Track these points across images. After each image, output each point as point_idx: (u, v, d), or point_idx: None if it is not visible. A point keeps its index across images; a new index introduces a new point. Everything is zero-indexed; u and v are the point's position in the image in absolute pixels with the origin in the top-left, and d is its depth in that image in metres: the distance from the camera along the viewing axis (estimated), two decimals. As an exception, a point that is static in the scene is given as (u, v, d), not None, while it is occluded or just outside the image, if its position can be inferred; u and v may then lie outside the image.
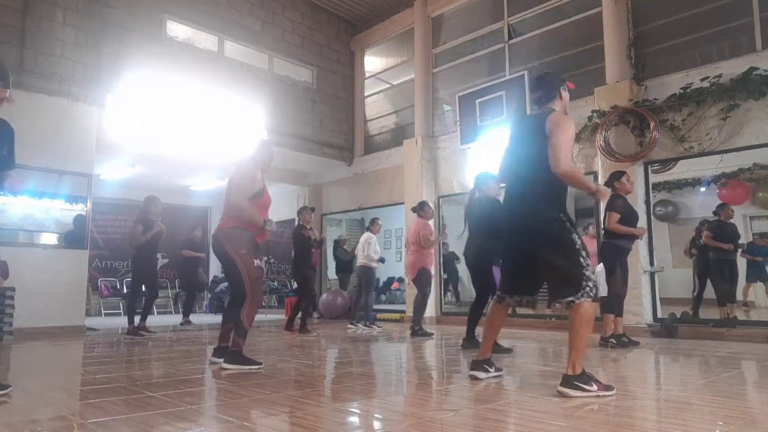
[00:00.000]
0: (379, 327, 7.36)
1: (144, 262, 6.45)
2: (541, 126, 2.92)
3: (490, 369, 3.29)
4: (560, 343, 5.60)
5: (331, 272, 11.45)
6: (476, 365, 3.29)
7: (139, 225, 6.41)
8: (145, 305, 6.56)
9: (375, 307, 7.84)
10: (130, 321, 6.35)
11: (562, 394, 2.76)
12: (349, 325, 7.47)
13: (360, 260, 7.46)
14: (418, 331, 6.34)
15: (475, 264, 5.04)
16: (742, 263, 7.70)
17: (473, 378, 3.25)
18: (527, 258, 3.00)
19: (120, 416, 2.35)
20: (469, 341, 5.01)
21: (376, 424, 2.35)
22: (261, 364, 3.73)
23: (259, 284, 3.84)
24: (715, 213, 7.21)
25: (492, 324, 3.31)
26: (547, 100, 3.10)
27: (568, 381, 2.79)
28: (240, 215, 3.71)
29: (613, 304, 5.12)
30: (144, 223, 6.42)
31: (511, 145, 3.20)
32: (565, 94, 3.15)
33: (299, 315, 7.02)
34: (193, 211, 12.09)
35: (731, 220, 7.17)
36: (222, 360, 3.78)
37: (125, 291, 10.94)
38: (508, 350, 4.79)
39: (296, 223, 7.32)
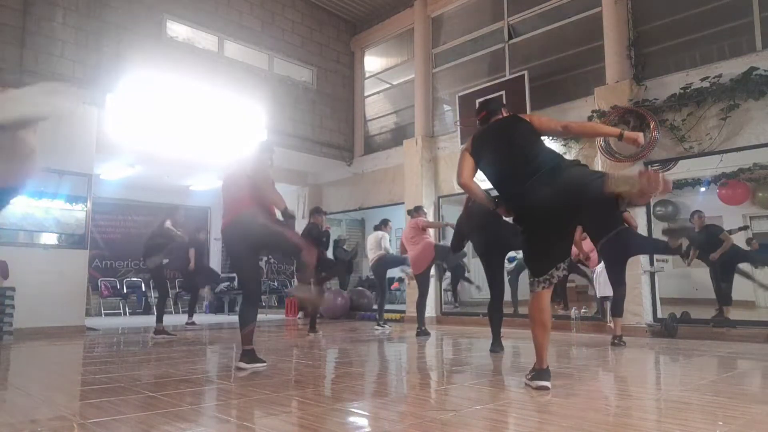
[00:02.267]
0: (389, 327, 7.25)
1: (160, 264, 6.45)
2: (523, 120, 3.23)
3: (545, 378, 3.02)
4: (560, 343, 5.60)
5: (331, 272, 11.44)
6: (539, 375, 3.01)
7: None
8: (158, 306, 6.52)
9: (374, 306, 7.86)
10: (159, 320, 6.31)
11: (538, 387, 2.92)
12: (377, 326, 7.18)
13: (374, 255, 7.28)
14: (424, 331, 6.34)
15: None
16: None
17: (540, 387, 2.95)
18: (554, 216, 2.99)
19: (120, 416, 2.35)
20: (498, 344, 4.79)
21: (376, 424, 2.35)
22: (265, 362, 3.75)
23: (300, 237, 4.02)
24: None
25: (544, 324, 3.07)
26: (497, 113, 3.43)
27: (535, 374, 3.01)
28: (271, 202, 3.81)
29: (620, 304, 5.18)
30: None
31: (503, 143, 3.33)
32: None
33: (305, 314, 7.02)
34: (193, 211, 12.07)
35: (703, 226, 7.09)
36: (253, 365, 3.67)
37: (125, 291, 10.95)
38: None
39: (308, 222, 7.26)
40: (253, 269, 3.90)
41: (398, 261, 7.37)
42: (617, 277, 5.23)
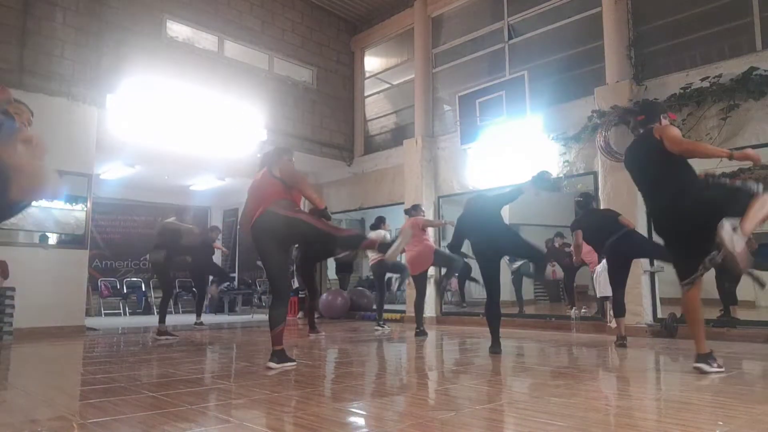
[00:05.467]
0: (388, 327, 7.19)
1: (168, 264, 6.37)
2: (653, 137, 3.47)
3: (713, 364, 3.36)
4: (560, 343, 5.60)
5: (331, 272, 11.45)
6: (702, 358, 3.38)
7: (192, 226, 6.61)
8: (161, 306, 6.37)
9: (374, 307, 7.81)
10: (162, 320, 6.16)
11: (699, 370, 3.31)
12: (377, 327, 7.06)
13: (375, 257, 7.09)
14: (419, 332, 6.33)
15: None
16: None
17: (699, 370, 3.34)
18: (687, 237, 3.36)
19: (120, 416, 2.35)
20: (497, 345, 4.72)
21: (376, 424, 2.35)
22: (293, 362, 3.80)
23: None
24: None
25: (700, 315, 3.44)
26: (649, 123, 3.66)
27: (699, 358, 3.34)
28: (311, 200, 3.89)
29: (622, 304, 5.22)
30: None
31: (637, 164, 3.69)
32: (665, 122, 3.67)
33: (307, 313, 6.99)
34: (193, 211, 12.07)
35: None
36: (284, 364, 3.73)
37: (125, 291, 10.95)
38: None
39: None
40: (281, 267, 3.85)
41: (398, 267, 7.31)
42: (620, 279, 5.26)
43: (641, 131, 3.73)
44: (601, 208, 5.85)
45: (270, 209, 3.72)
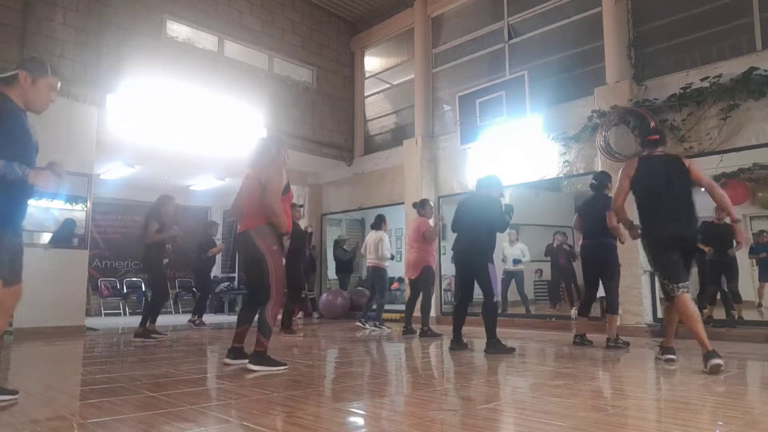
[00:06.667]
0: (388, 328, 7.22)
1: (155, 262, 6.13)
2: (682, 164, 3.97)
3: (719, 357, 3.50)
4: (560, 343, 5.59)
5: (331, 272, 11.44)
6: (714, 355, 3.49)
7: (155, 222, 6.02)
8: (153, 307, 6.30)
9: (374, 306, 7.78)
10: (143, 323, 6.03)
11: (719, 366, 3.41)
12: (358, 323, 7.33)
13: (371, 261, 7.25)
14: (427, 332, 6.29)
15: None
16: (746, 263, 7.80)
17: (719, 366, 3.42)
18: (681, 252, 3.78)
19: (120, 416, 2.35)
20: (457, 343, 4.99)
21: (376, 424, 2.35)
22: (286, 365, 3.72)
23: (282, 283, 3.89)
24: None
25: (698, 313, 3.75)
26: (660, 145, 4.13)
27: (712, 355, 3.49)
28: (271, 215, 3.71)
29: (616, 303, 5.16)
30: (159, 222, 6.06)
31: (660, 179, 3.95)
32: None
33: (291, 312, 6.93)
34: (193, 211, 12.09)
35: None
36: (239, 361, 3.79)
37: (125, 291, 10.95)
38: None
39: None
40: (255, 277, 3.84)
41: (384, 285, 7.43)
42: (592, 280, 5.25)
43: (655, 151, 4.06)
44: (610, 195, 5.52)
45: (250, 233, 3.72)
